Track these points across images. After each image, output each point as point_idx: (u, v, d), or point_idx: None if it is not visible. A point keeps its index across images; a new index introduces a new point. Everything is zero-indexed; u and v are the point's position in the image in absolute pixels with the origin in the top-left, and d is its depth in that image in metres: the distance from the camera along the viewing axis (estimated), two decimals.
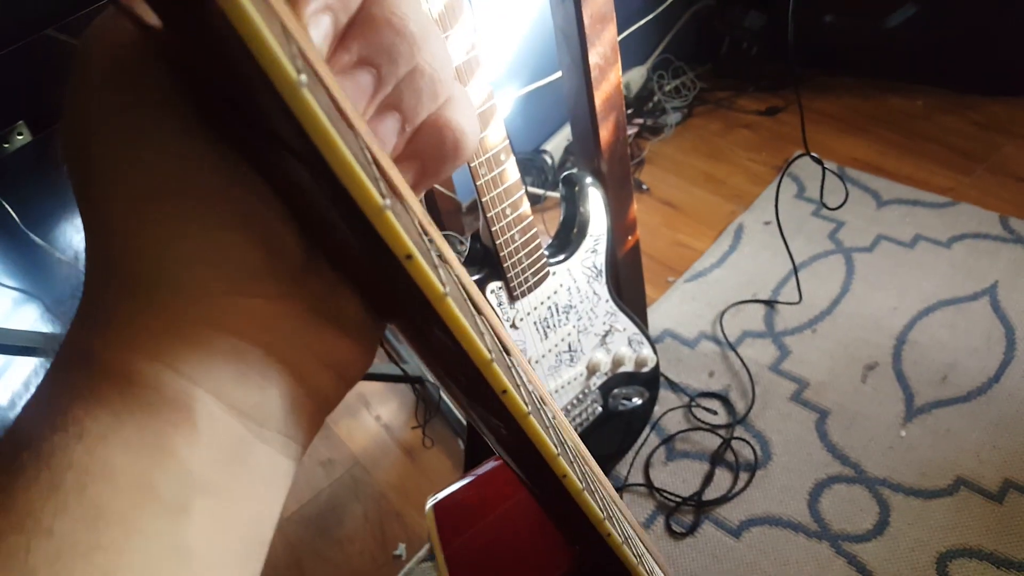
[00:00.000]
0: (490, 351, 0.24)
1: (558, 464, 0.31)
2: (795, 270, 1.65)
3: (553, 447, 0.30)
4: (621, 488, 1.40)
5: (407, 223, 0.21)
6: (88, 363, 0.21)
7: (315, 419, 0.26)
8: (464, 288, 0.25)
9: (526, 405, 0.27)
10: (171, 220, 0.21)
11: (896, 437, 1.38)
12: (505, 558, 0.67)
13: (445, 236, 1.78)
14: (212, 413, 0.22)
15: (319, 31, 0.21)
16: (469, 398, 0.29)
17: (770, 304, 1.66)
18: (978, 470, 1.30)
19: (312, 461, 1.56)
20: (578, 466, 0.34)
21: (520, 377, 0.29)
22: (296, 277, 0.23)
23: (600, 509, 0.36)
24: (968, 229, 1.70)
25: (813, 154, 1.37)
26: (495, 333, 0.28)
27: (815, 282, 1.67)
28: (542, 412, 0.31)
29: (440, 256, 0.24)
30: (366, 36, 0.22)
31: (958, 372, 1.45)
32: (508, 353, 0.29)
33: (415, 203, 0.23)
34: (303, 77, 0.17)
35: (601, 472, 0.42)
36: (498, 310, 1.08)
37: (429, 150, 0.24)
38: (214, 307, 0.22)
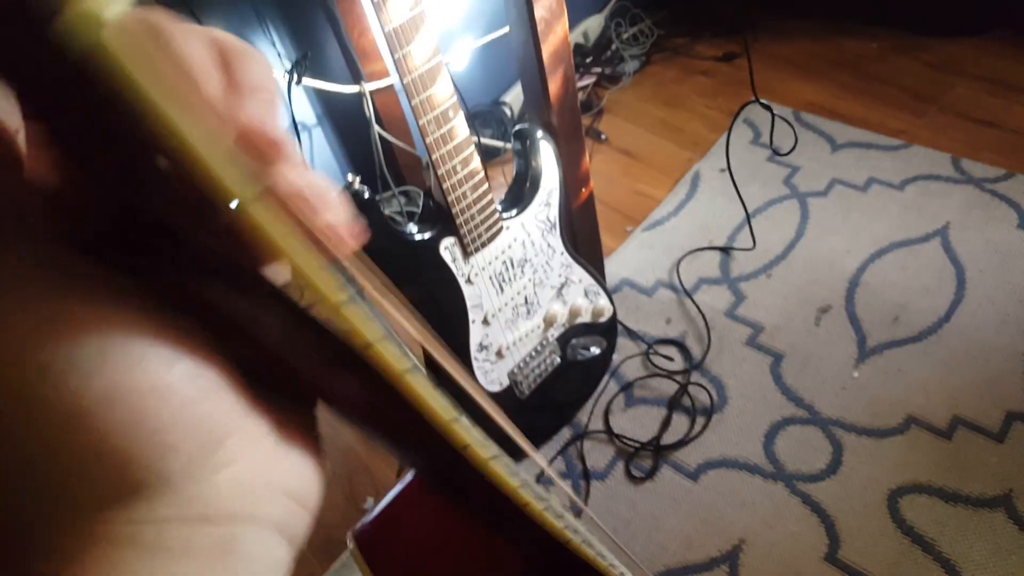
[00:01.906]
0: (449, 411, 0.24)
1: (519, 495, 0.31)
2: (748, 216, 1.66)
3: (512, 479, 0.30)
4: (582, 435, 1.42)
5: (365, 313, 0.20)
6: None
7: (289, 571, 0.24)
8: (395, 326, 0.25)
9: (486, 450, 0.27)
10: (114, 390, 0.17)
11: (849, 378, 1.41)
12: (438, 563, 0.66)
13: (405, 191, 1.77)
14: None
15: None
16: (430, 465, 0.29)
17: (725, 251, 1.67)
18: (928, 408, 1.34)
19: None
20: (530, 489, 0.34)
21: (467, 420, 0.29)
22: (254, 415, 0.21)
23: (557, 517, 0.37)
24: (920, 171, 1.72)
25: (762, 100, 1.37)
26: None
27: (769, 227, 1.69)
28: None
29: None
30: (244, 72, 0.21)
31: (910, 313, 1.48)
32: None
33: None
34: (251, 193, 0.17)
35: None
36: (453, 266, 1.08)
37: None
38: (191, 498, 0.19)
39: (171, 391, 0.18)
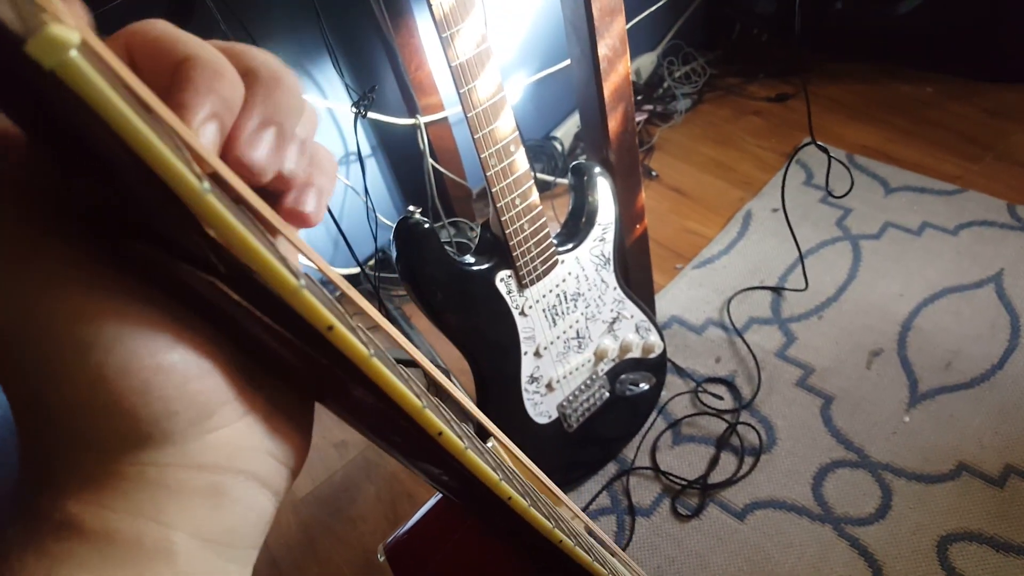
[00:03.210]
0: (420, 397, 0.26)
1: (502, 489, 0.32)
2: (801, 257, 1.67)
3: (494, 474, 0.31)
4: (628, 471, 1.43)
5: (320, 295, 0.22)
6: (65, 528, 0.22)
7: (271, 517, 0.27)
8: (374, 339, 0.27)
9: (461, 440, 0.29)
10: (128, 374, 0.21)
11: (899, 422, 1.40)
12: None
13: (454, 223, 1.81)
14: (189, 551, 0.23)
15: (209, 135, 0.22)
16: (409, 450, 0.30)
17: (777, 291, 1.68)
18: (980, 455, 1.32)
19: (326, 443, 1.59)
20: (518, 483, 0.35)
21: (448, 413, 0.31)
22: (246, 392, 0.25)
23: (547, 519, 0.37)
24: (975, 217, 1.71)
25: (819, 142, 1.38)
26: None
27: (822, 269, 1.69)
28: (475, 443, 0.32)
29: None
30: (261, 101, 0.24)
31: (962, 359, 1.47)
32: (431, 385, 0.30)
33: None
34: (205, 184, 0.18)
35: (548, 484, 0.43)
36: (508, 298, 1.11)
37: (319, 173, 0.27)
38: (188, 450, 0.23)
39: (173, 368, 0.22)
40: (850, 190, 1.58)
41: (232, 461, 0.24)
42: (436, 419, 0.27)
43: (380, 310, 1.57)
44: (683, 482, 1.39)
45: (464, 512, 0.73)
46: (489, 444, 0.40)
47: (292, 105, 0.25)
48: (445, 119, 1.65)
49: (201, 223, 0.19)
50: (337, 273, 0.26)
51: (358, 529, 1.46)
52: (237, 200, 0.21)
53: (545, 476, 0.38)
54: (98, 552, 0.22)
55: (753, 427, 1.44)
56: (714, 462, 1.41)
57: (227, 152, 0.23)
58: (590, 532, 0.58)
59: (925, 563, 1.21)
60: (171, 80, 0.22)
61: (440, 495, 0.76)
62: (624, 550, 1.32)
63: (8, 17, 0.15)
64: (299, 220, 0.26)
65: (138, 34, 0.23)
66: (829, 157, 1.45)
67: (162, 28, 0.23)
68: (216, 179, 0.20)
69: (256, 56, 0.25)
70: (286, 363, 0.26)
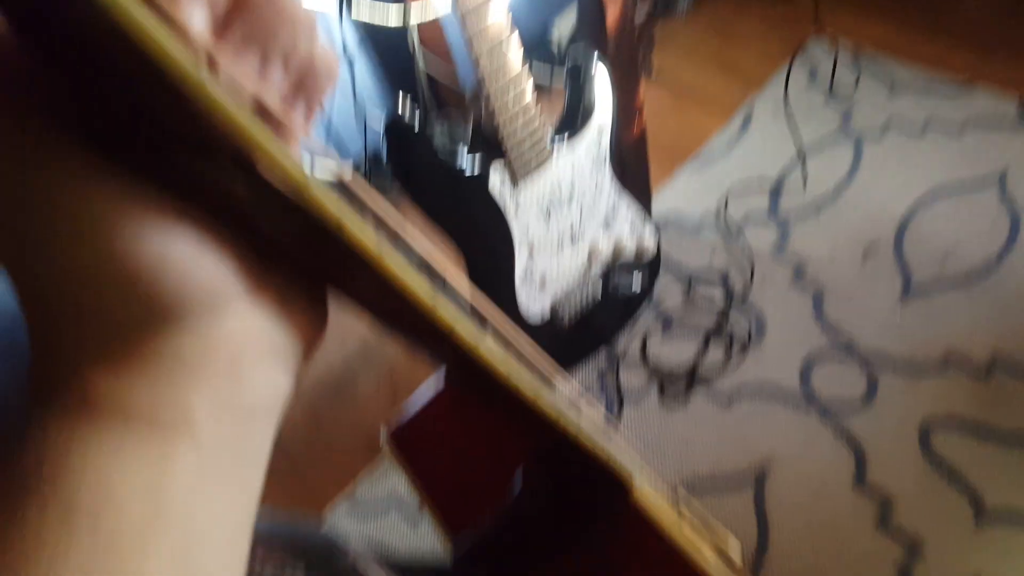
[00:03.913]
0: (432, 294, 0.26)
1: (511, 380, 0.33)
2: (802, 155, 1.66)
3: (504, 366, 0.32)
4: (618, 361, 1.46)
5: (327, 191, 0.22)
6: (85, 403, 0.22)
7: (289, 392, 0.28)
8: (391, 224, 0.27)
9: (472, 333, 0.29)
10: (138, 254, 0.21)
11: (891, 315, 1.42)
12: (470, 465, 0.71)
13: (447, 120, 1.78)
14: (209, 424, 0.24)
15: (198, 19, 0.21)
16: (421, 340, 0.31)
17: (775, 189, 1.67)
18: (968, 348, 1.35)
19: (327, 334, 1.63)
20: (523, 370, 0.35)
21: (460, 299, 0.31)
22: (258, 272, 0.25)
23: (552, 407, 0.38)
24: (982, 115, 1.69)
25: (824, 36, 1.35)
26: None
27: (822, 167, 1.68)
28: (486, 335, 0.32)
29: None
30: (244, 16, 0.23)
31: (958, 256, 1.48)
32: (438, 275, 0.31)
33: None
34: (203, 72, 0.18)
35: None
36: (501, 195, 1.11)
37: (310, 81, 0.26)
38: (203, 327, 0.23)
39: (184, 247, 0.22)
40: (855, 87, 1.56)
41: (246, 336, 0.25)
42: (448, 314, 0.27)
43: (371, 212, 1.58)
44: (671, 371, 1.43)
45: (463, 395, 0.77)
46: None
47: (281, 21, 0.24)
48: (436, 20, 1.61)
49: (204, 115, 0.18)
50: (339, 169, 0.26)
51: (360, 408, 1.52)
52: (234, 93, 0.20)
53: (543, 357, 0.39)
54: (119, 426, 0.22)
55: (744, 320, 1.47)
56: (703, 353, 1.44)
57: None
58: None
59: (908, 450, 1.26)
60: None
61: (437, 383, 0.79)
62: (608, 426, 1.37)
63: None
64: (284, 132, 0.26)
65: None
66: (835, 52, 1.42)
67: None
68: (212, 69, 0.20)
69: None
70: (296, 251, 0.26)
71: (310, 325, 0.28)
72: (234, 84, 0.20)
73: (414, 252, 0.27)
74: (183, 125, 0.20)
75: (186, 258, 0.22)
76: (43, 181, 0.21)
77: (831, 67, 1.77)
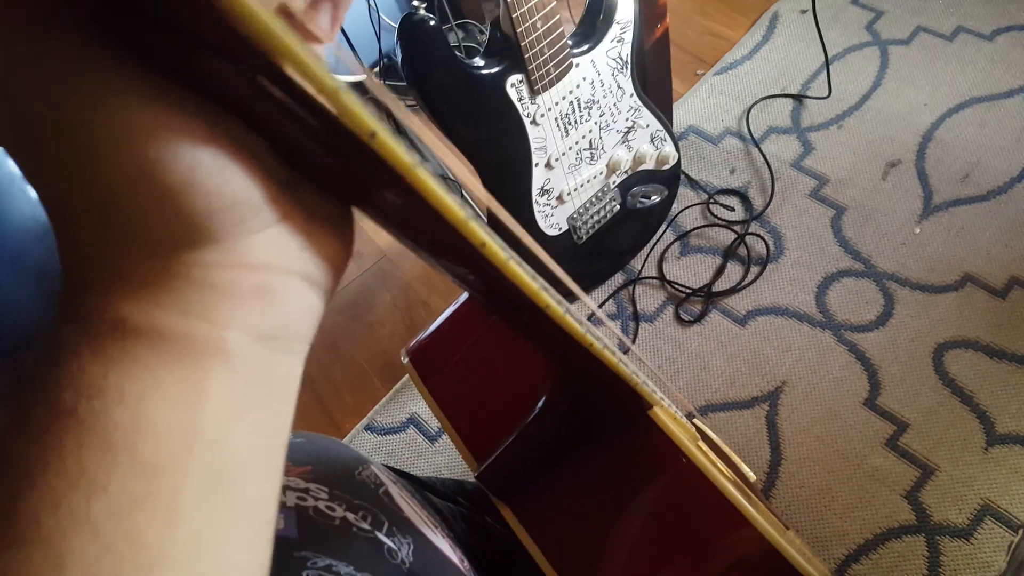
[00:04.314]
0: (463, 208, 0.25)
1: (540, 297, 0.33)
2: (827, 63, 1.60)
3: (533, 283, 0.32)
4: (635, 280, 1.46)
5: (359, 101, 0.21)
6: (119, 328, 0.22)
7: (320, 313, 0.28)
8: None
9: (504, 251, 0.29)
10: (168, 167, 0.21)
11: (910, 234, 1.40)
12: (490, 384, 0.71)
13: (463, 24, 1.73)
14: (242, 348, 0.24)
15: None
16: (448, 258, 0.30)
17: (798, 99, 1.62)
18: (986, 267, 1.33)
19: None
20: (552, 294, 0.34)
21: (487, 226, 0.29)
22: (287, 193, 0.25)
23: (578, 323, 0.37)
24: (1016, 20, 1.62)
25: None
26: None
27: (847, 76, 1.62)
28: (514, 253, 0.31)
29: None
30: None
31: (981, 171, 1.44)
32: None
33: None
34: None
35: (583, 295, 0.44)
36: (519, 105, 1.08)
37: None
38: (234, 250, 0.23)
39: (212, 164, 0.22)
40: None
41: (278, 259, 0.24)
42: (480, 230, 0.26)
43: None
44: (688, 290, 1.42)
45: (484, 312, 0.76)
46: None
47: None
48: None
49: (233, 19, 0.18)
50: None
51: (376, 333, 1.52)
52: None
53: (565, 276, 0.38)
54: (153, 350, 0.22)
55: (762, 238, 1.45)
56: (720, 271, 1.43)
57: None
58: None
59: (920, 368, 1.26)
60: None
61: (458, 303, 0.79)
62: (627, 352, 1.38)
63: None
64: (311, 39, 0.25)
65: None
66: None
67: None
68: None
69: None
70: (325, 167, 0.25)
71: (338, 249, 0.28)
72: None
73: (436, 162, 0.26)
74: (212, 31, 0.19)
75: (215, 174, 0.22)
76: (72, 90, 0.20)
77: None
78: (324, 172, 0.26)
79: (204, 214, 0.22)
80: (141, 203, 0.21)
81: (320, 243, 0.26)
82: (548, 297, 0.33)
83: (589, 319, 1.40)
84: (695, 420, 0.95)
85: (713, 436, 0.88)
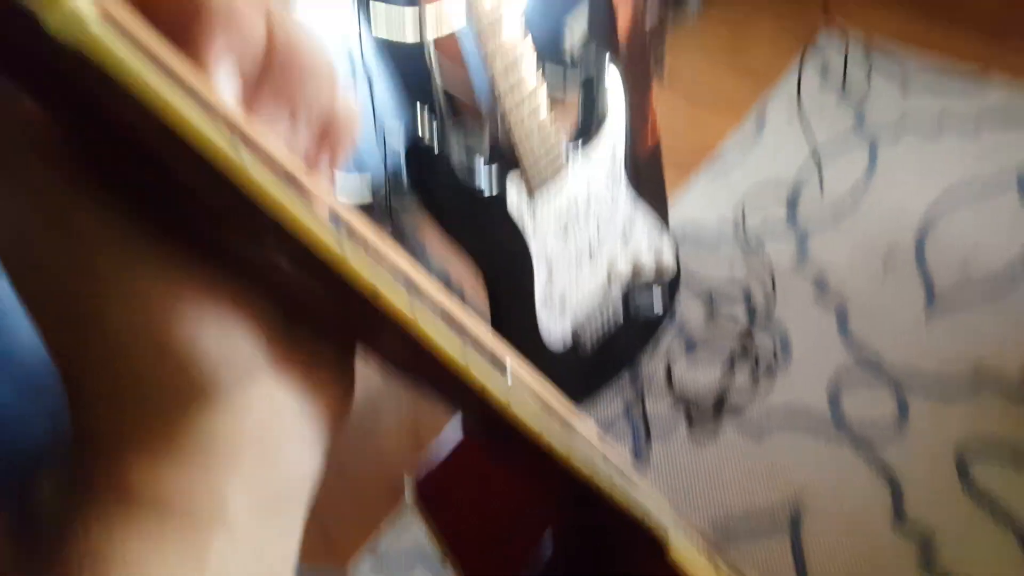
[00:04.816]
0: (464, 353, 0.26)
1: (543, 440, 0.32)
2: (818, 160, 1.61)
3: (534, 423, 0.31)
4: (642, 388, 1.41)
5: (362, 261, 0.22)
6: (124, 494, 0.22)
7: (320, 470, 0.28)
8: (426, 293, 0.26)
9: (504, 397, 0.29)
10: (173, 331, 0.22)
11: (916, 329, 1.38)
12: (494, 516, 0.69)
13: (462, 129, 1.75)
14: (244, 511, 0.24)
15: (229, 88, 0.22)
16: (452, 397, 0.31)
17: (792, 195, 1.63)
18: (999, 361, 1.31)
19: None
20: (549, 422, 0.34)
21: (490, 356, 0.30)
22: (287, 343, 0.25)
23: (584, 463, 0.37)
24: (998, 109, 1.65)
25: (835, 27, 1.31)
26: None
27: (838, 172, 1.63)
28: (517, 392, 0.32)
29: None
30: (272, 78, 0.23)
31: (981, 262, 1.44)
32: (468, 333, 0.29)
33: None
34: (243, 153, 0.18)
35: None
36: (518, 211, 1.09)
37: (334, 132, 0.26)
38: (235, 406, 0.23)
39: (215, 321, 0.22)
40: (868, 83, 1.52)
41: (277, 418, 0.25)
42: (480, 375, 0.27)
43: (392, 228, 1.55)
44: (698, 399, 1.38)
45: (488, 446, 0.73)
46: (507, 365, 0.39)
47: (307, 79, 0.24)
48: (453, 35, 1.59)
49: (237, 188, 0.18)
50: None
51: (381, 446, 1.47)
52: (263, 157, 0.20)
53: (563, 401, 0.37)
54: (157, 520, 0.22)
55: (768, 339, 1.42)
56: (728, 376, 1.40)
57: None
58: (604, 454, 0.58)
59: (946, 480, 1.21)
60: (186, 25, 0.21)
61: (458, 429, 0.75)
62: (637, 468, 1.33)
63: None
64: (312, 197, 0.25)
65: None
66: (846, 45, 1.37)
67: None
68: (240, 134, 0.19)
69: (275, 21, 0.23)
70: (325, 313, 0.26)
71: (338, 395, 0.28)
72: (267, 155, 0.20)
73: (436, 304, 0.26)
74: (216, 198, 0.20)
75: (215, 331, 0.22)
76: (84, 251, 0.21)
77: (842, 65, 1.72)
78: (324, 317, 0.26)
79: (207, 369, 0.22)
80: (144, 358, 0.22)
81: (320, 391, 0.26)
82: (551, 439, 0.33)
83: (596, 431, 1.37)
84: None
85: (735, 562, 0.83)
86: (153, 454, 0.23)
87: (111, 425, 0.23)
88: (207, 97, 0.18)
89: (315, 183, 0.23)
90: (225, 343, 0.23)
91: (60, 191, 0.21)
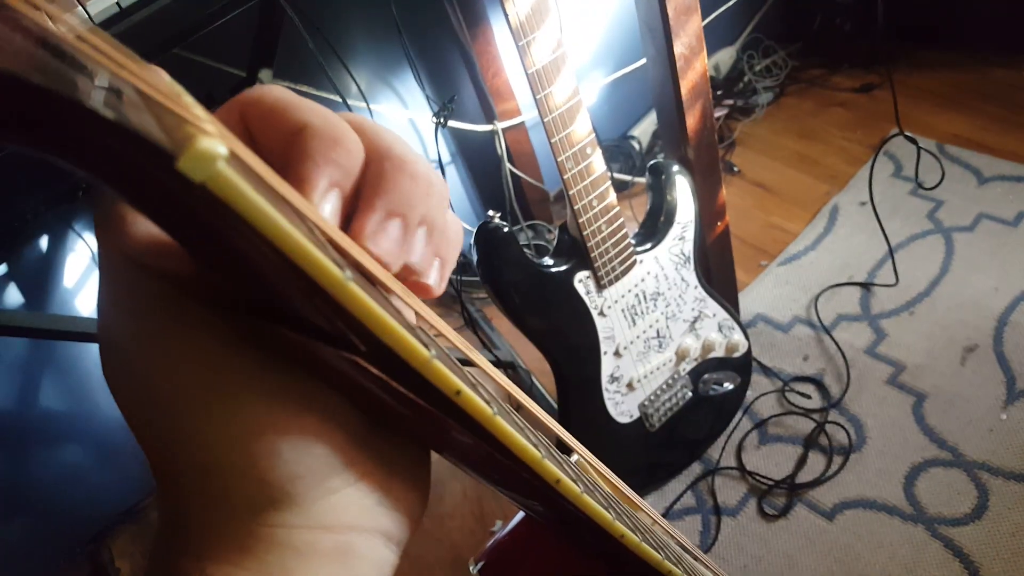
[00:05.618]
0: (537, 447, 0.26)
1: (615, 528, 0.33)
2: (891, 251, 1.62)
3: (607, 513, 0.32)
4: (713, 471, 1.42)
5: (446, 360, 0.22)
6: None
7: (394, 567, 0.28)
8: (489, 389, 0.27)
9: (577, 485, 0.29)
10: (268, 425, 0.23)
11: (996, 420, 1.35)
12: None
13: (532, 225, 1.83)
14: None
15: (329, 207, 0.23)
16: (520, 492, 0.31)
17: (866, 286, 1.63)
18: None
19: None
20: (615, 506, 0.35)
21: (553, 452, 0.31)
22: (365, 451, 0.26)
23: (656, 549, 0.37)
24: None
25: (907, 133, 1.34)
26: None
27: (913, 263, 1.64)
28: (588, 485, 0.32)
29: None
30: (385, 191, 0.24)
31: None
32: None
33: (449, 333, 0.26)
34: (348, 272, 0.19)
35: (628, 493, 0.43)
36: (587, 299, 1.12)
37: (446, 246, 0.27)
38: (314, 512, 0.24)
39: (298, 432, 0.23)
40: (941, 181, 1.54)
41: (356, 520, 0.25)
42: (555, 467, 0.27)
43: (462, 313, 1.60)
44: (770, 482, 1.37)
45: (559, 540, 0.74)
46: (574, 458, 0.40)
47: (419, 191, 0.25)
48: (522, 124, 1.68)
49: (339, 305, 0.19)
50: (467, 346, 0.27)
51: (446, 526, 1.49)
52: (364, 274, 0.21)
53: (626, 486, 0.38)
54: None
55: (842, 426, 1.41)
56: (802, 462, 1.39)
57: (352, 239, 0.23)
58: (671, 536, 0.58)
59: None
60: (288, 149, 0.23)
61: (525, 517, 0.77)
62: (710, 550, 1.32)
63: (155, 133, 0.15)
64: (421, 291, 0.27)
65: (253, 103, 0.24)
66: (918, 148, 1.41)
67: (278, 95, 0.24)
68: (344, 254, 0.21)
69: (384, 136, 0.25)
70: (407, 421, 0.27)
71: (415, 501, 0.28)
72: (368, 273, 0.21)
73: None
74: (318, 316, 0.21)
75: (301, 443, 0.23)
76: (179, 366, 0.22)
77: (915, 161, 1.75)
78: (403, 422, 0.27)
79: (287, 479, 0.23)
80: (230, 470, 0.23)
81: (397, 498, 0.27)
82: (622, 526, 0.33)
83: (667, 513, 1.35)
84: None
85: None
86: (233, 551, 0.23)
87: (196, 525, 0.24)
88: (316, 221, 0.20)
89: (402, 289, 0.24)
90: (308, 456, 0.23)
91: (201, 320, 0.23)
